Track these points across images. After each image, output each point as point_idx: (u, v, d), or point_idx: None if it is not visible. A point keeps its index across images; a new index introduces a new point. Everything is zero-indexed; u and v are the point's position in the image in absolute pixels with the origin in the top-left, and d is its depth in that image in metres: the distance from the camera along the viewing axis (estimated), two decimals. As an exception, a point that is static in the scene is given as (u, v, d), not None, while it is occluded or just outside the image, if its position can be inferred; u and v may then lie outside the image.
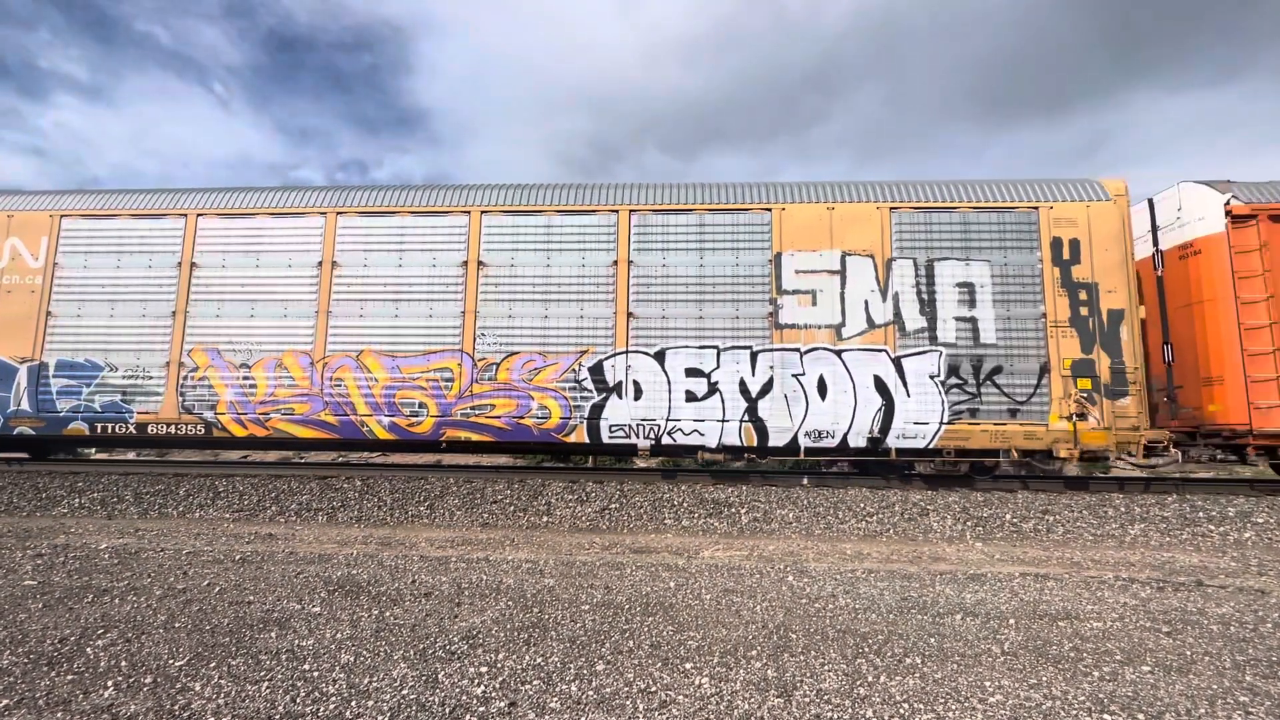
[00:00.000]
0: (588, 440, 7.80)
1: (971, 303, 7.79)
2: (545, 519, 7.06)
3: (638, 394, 7.80)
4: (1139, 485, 8.08)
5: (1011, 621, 3.87)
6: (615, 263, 8.10)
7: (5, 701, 2.76)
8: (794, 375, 7.74)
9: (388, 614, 3.90)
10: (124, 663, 3.15)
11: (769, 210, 8.09)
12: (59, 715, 2.65)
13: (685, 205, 8.18)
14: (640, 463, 15.18)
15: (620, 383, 7.82)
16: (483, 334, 8.06)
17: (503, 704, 2.77)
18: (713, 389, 7.77)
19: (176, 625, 3.66)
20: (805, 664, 3.21)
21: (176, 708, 2.72)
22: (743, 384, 7.76)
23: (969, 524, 6.73)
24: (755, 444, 7.69)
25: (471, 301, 8.14)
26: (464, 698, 2.82)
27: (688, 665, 3.19)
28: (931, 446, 7.59)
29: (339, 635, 3.54)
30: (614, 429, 7.78)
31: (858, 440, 7.62)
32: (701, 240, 8.10)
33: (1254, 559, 5.66)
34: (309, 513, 7.26)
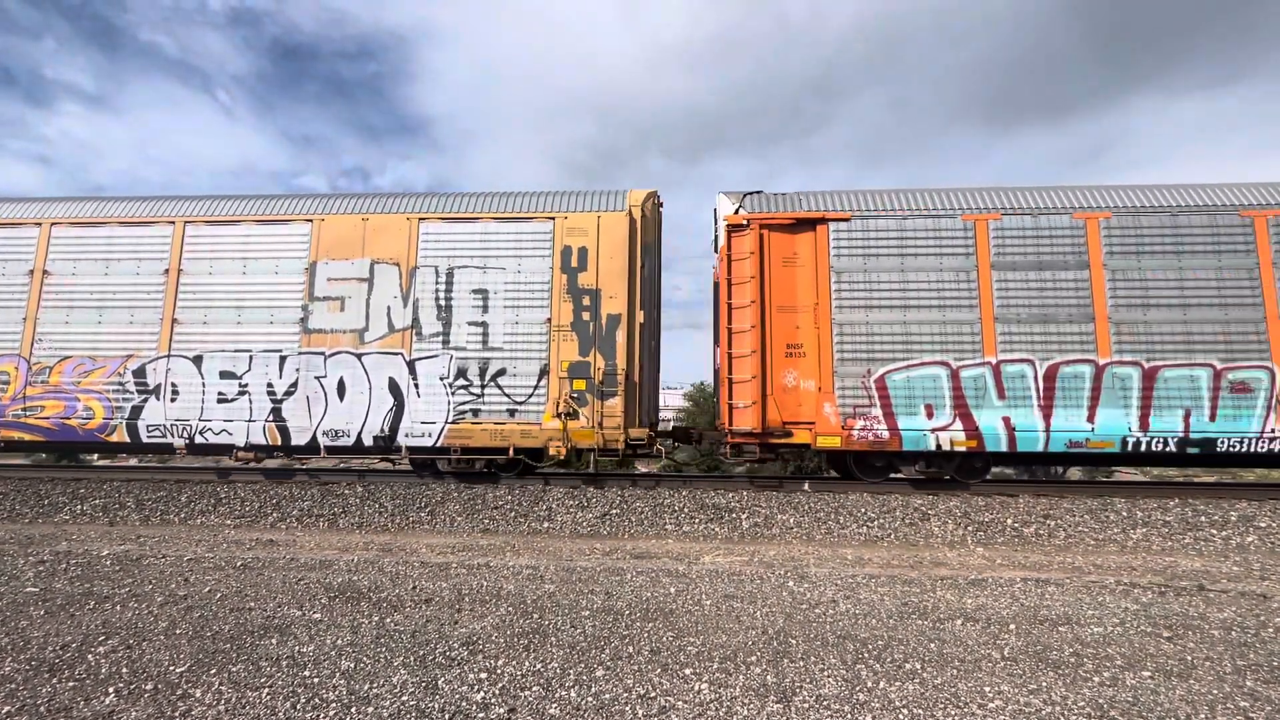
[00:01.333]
0: (128, 439, 8.15)
1: (485, 308, 8.22)
2: (546, 525, 7.07)
3: (174, 396, 8.21)
4: (1141, 489, 8.06)
5: (1012, 627, 3.86)
6: (167, 271, 8.47)
7: (7, 708, 2.77)
8: (317, 378, 8.16)
9: (388, 620, 3.91)
10: (125, 669, 3.16)
11: (309, 222, 8.51)
12: (60, 722, 2.66)
13: (232, 218, 8.58)
14: (641, 467, 15.19)
15: (160, 385, 8.23)
16: (40, 339, 8.43)
17: (502, 710, 2.78)
18: (243, 391, 8.18)
19: (178, 632, 3.67)
20: (805, 670, 3.21)
21: (177, 714, 2.73)
22: (270, 386, 8.17)
23: (970, 529, 6.72)
24: (280, 443, 8.10)
25: (33, 308, 8.47)
26: (464, 704, 2.83)
27: (687, 671, 3.19)
28: (438, 445, 8.00)
29: (339, 641, 3.55)
30: (151, 429, 8.15)
31: (369, 439, 8.03)
32: (246, 251, 8.48)
33: (1256, 563, 5.65)
34: (310, 519, 7.27)
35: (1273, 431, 7.33)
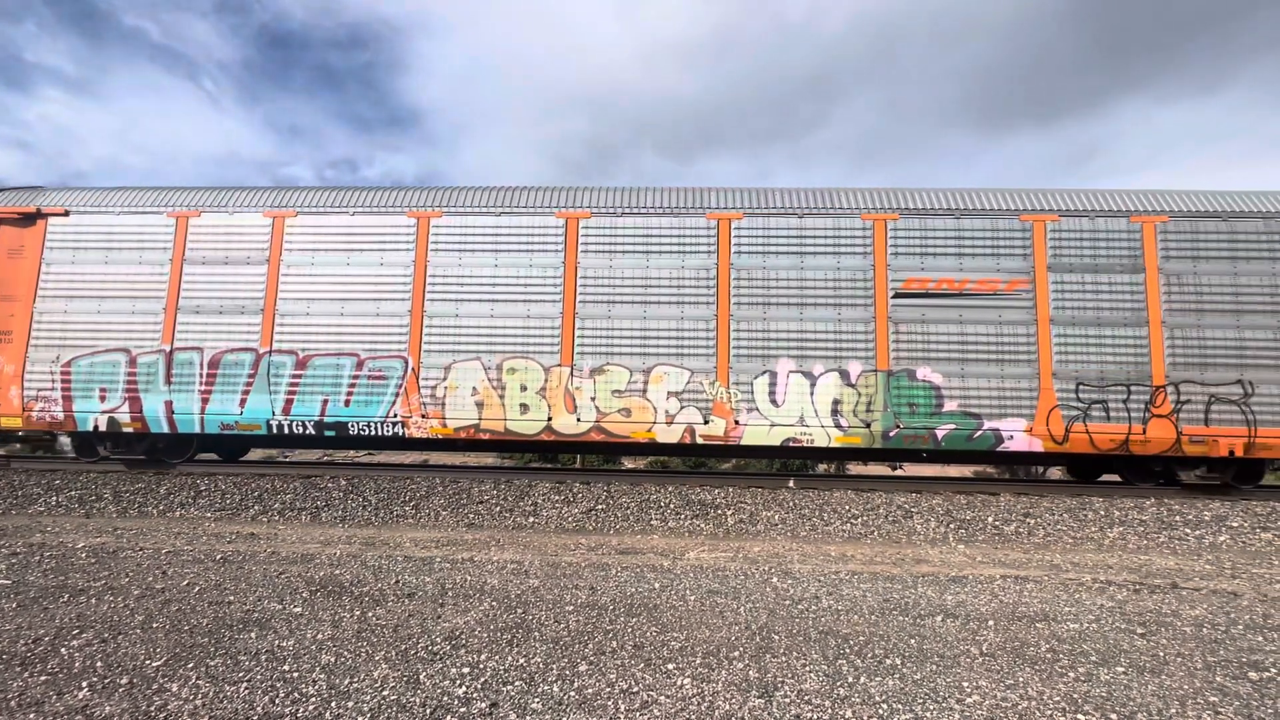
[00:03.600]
0: None
1: None
2: (531, 519, 7.05)
3: None
4: (1119, 489, 8.20)
5: (991, 623, 3.92)
6: None
7: (-24, 702, 2.71)
8: None
9: (370, 614, 3.88)
10: (99, 663, 3.11)
11: None
12: (32, 716, 2.61)
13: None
14: (629, 463, 15.19)
15: None
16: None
17: (484, 705, 2.77)
18: None
19: (154, 625, 3.62)
20: (787, 665, 3.23)
21: (153, 709, 2.69)
22: None
23: (952, 526, 6.80)
24: None
25: None
26: (445, 698, 2.81)
27: (670, 666, 3.20)
28: None
29: (320, 636, 3.51)
30: None
31: None
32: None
33: (1228, 562, 5.77)
34: (292, 512, 7.19)
35: (395, 416, 8.22)
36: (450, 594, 4.32)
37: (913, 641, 3.58)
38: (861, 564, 5.47)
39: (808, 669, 3.18)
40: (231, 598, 4.15)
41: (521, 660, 3.24)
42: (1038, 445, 7.78)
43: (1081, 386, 7.80)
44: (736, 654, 3.36)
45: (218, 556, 5.21)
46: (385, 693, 2.85)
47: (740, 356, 8.12)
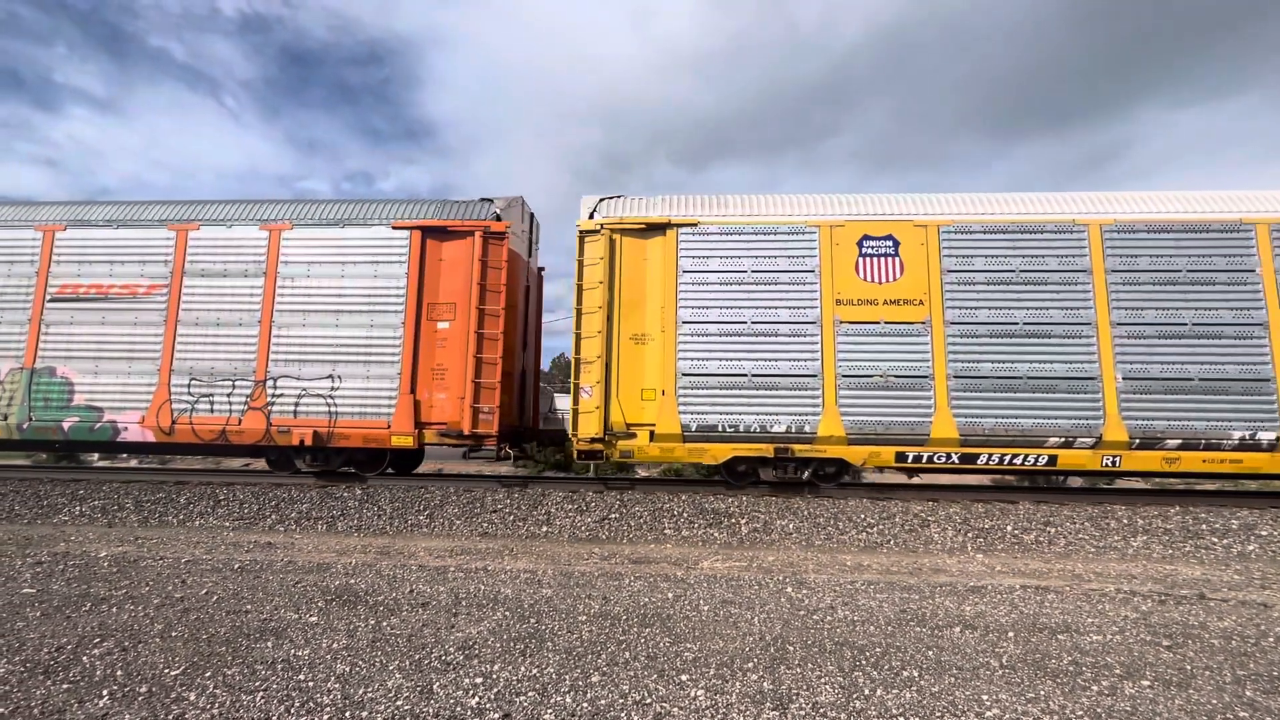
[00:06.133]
0: None
1: None
2: (545, 529, 7.05)
3: None
4: (1142, 497, 8.03)
5: (1010, 634, 3.84)
6: None
7: (1, 710, 2.76)
8: None
9: (384, 624, 3.90)
10: (120, 672, 3.15)
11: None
12: (54, 724, 2.65)
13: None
14: (642, 471, 15.15)
15: None
16: None
17: (497, 716, 2.76)
18: None
19: (173, 634, 3.66)
20: (802, 677, 3.19)
21: (171, 717, 2.72)
22: None
23: (970, 535, 6.69)
24: None
25: None
26: (458, 709, 2.81)
27: (683, 677, 3.17)
28: None
29: (335, 645, 3.53)
30: None
31: None
32: None
33: (1258, 572, 5.62)
34: (309, 521, 7.26)
35: None
36: (464, 603, 4.33)
37: (930, 653, 3.52)
38: (878, 573, 5.40)
39: (823, 681, 3.14)
40: (249, 607, 4.20)
41: (534, 670, 3.23)
42: (150, 436, 8.46)
43: (194, 382, 8.54)
44: (751, 665, 3.32)
45: (235, 565, 5.28)
46: (399, 703, 2.86)
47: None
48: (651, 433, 7.81)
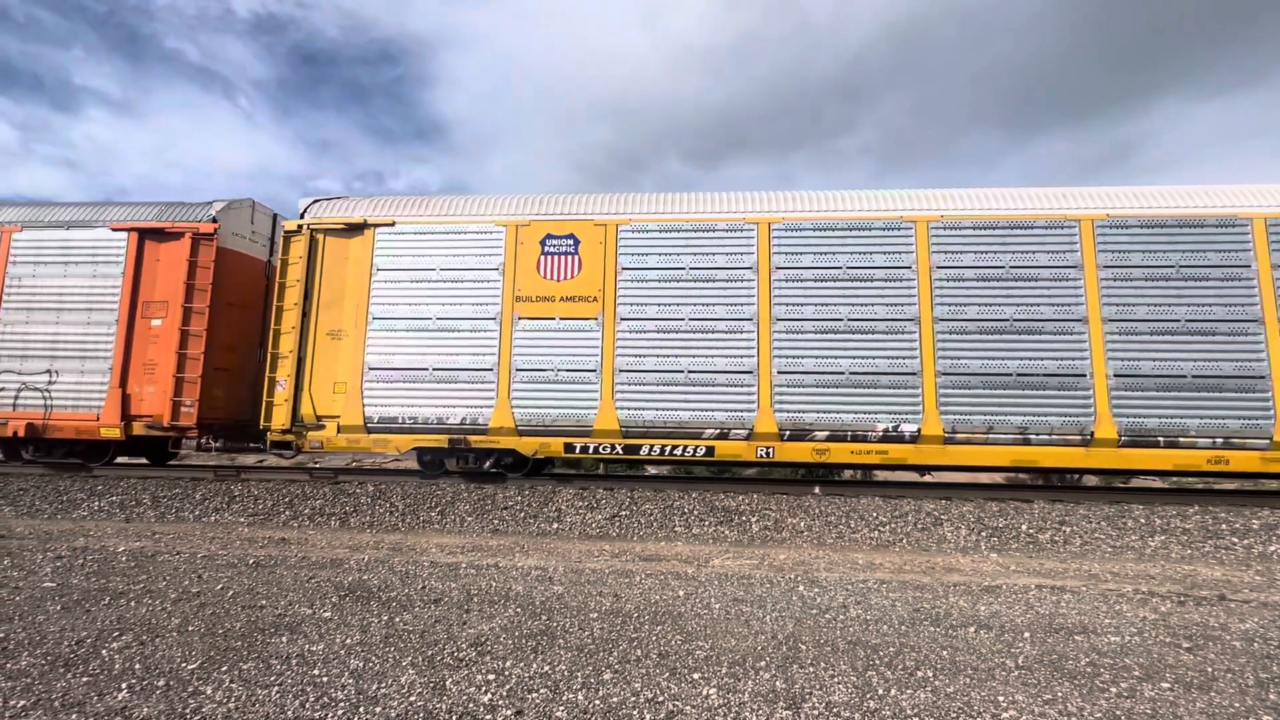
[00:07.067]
0: None
1: None
2: (555, 526, 7.07)
3: None
4: (1160, 496, 7.91)
5: (1026, 635, 3.80)
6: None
7: (22, 702, 2.80)
8: None
9: (397, 620, 3.92)
10: (138, 665, 3.19)
11: None
12: (74, 717, 2.69)
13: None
14: (651, 469, 15.14)
15: None
16: None
17: (509, 712, 2.77)
18: None
19: (190, 629, 3.71)
20: (814, 676, 3.17)
21: (188, 711, 2.75)
22: None
23: (984, 534, 6.63)
24: None
25: None
26: (471, 705, 2.82)
27: (695, 675, 3.17)
28: None
29: (349, 640, 3.56)
30: None
31: None
32: None
33: (1279, 573, 5.52)
34: (322, 517, 7.32)
35: None
36: (476, 600, 4.35)
37: (945, 653, 3.49)
38: (890, 572, 5.36)
39: (836, 680, 3.12)
40: (264, 602, 4.24)
41: (546, 668, 3.23)
42: None
43: None
44: (763, 664, 3.31)
45: (250, 561, 5.33)
46: (412, 699, 2.88)
47: None
48: (339, 425, 8.09)
